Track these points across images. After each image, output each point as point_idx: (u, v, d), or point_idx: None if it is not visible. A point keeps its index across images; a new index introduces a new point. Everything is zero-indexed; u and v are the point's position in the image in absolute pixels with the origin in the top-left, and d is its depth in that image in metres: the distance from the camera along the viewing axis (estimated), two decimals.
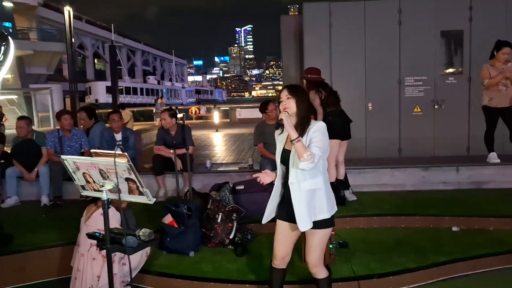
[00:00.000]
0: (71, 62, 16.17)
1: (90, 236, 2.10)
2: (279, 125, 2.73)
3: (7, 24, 29.02)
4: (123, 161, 1.85)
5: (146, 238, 1.97)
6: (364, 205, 5.34)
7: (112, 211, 3.77)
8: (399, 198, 5.60)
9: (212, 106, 26.90)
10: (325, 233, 2.79)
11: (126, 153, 1.88)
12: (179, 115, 18.80)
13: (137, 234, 1.97)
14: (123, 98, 43.48)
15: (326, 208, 2.71)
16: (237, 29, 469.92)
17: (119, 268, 3.56)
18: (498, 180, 6.03)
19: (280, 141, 2.88)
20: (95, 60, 55.92)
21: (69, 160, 1.98)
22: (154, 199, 2.05)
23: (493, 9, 7.28)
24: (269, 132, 5.86)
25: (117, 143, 6.07)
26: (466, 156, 7.24)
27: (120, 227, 3.36)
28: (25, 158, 5.95)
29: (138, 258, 3.63)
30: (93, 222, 3.52)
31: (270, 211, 2.90)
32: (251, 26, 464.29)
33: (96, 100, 43.97)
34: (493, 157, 6.13)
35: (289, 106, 2.73)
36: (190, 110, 28.13)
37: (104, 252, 2.51)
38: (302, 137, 2.65)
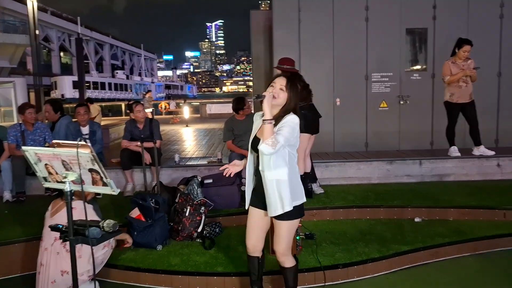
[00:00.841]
0: (36, 55, 15.68)
1: (53, 228, 2.07)
2: (259, 97, 2.64)
3: None
4: (86, 152, 1.83)
5: (110, 229, 1.96)
6: (330, 197, 5.46)
7: (81, 205, 3.70)
8: (364, 191, 5.75)
9: (182, 101, 26.64)
10: (291, 224, 2.80)
11: (89, 144, 1.86)
12: (149, 110, 18.58)
13: (101, 225, 1.96)
14: (90, 93, 42.43)
15: (288, 200, 2.71)
16: (208, 24, 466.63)
17: (87, 264, 3.54)
18: (458, 173, 6.27)
19: (256, 128, 2.86)
20: (61, 54, 54.33)
21: (30, 151, 1.94)
22: (118, 190, 2.04)
23: (456, 8, 7.51)
24: (238, 127, 5.88)
25: (83, 137, 5.96)
26: (429, 150, 7.47)
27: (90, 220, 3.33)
28: None
29: (102, 252, 3.59)
30: (59, 218, 3.44)
31: (249, 197, 2.95)
32: (222, 21, 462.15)
33: (62, 95, 42.67)
34: (454, 151, 6.36)
35: (278, 97, 2.69)
36: (159, 105, 27.76)
37: (68, 246, 2.47)
38: (275, 125, 2.65)
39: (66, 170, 1.94)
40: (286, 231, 2.81)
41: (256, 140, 2.76)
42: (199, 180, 5.08)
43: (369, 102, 7.68)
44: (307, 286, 3.61)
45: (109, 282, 3.84)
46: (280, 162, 2.68)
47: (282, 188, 2.70)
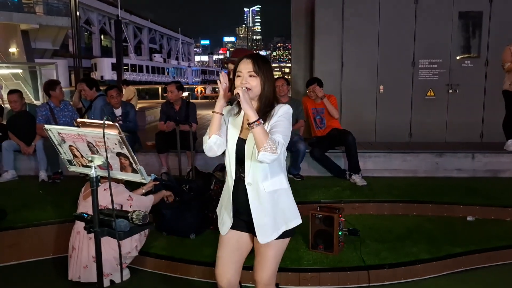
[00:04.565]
0: (76, 37, 15.83)
1: (77, 217, 1.88)
2: (233, 100, 2.03)
3: None
4: (113, 133, 1.61)
5: (140, 221, 1.75)
6: (374, 190, 5.10)
7: (119, 187, 3.57)
8: (410, 185, 5.35)
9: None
10: (285, 244, 2.25)
11: (117, 124, 1.63)
12: (185, 94, 18.56)
13: (130, 216, 1.75)
14: (128, 76, 43.16)
15: (294, 212, 2.22)
16: (245, 9, 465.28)
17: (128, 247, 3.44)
18: None
19: (234, 127, 2.20)
20: (102, 37, 55.32)
21: (54, 131, 1.74)
22: (149, 178, 1.82)
23: None
24: None
25: (118, 118, 5.85)
26: (479, 143, 6.98)
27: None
28: (22, 131, 5.75)
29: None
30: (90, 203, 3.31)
31: (227, 219, 2.25)
32: (259, 6, 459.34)
33: (102, 77, 43.58)
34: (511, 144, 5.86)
35: (250, 86, 2.08)
36: (195, 89, 27.85)
37: None
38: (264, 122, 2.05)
39: (92, 153, 1.73)
40: (275, 254, 2.23)
41: (241, 142, 2.16)
42: None
43: (415, 90, 7.23)
44: (350, 286, 3.35)
45: (140, 269, 3.71)
46: (277, 168, 2.16)
47: (284, 198, 2.19)
